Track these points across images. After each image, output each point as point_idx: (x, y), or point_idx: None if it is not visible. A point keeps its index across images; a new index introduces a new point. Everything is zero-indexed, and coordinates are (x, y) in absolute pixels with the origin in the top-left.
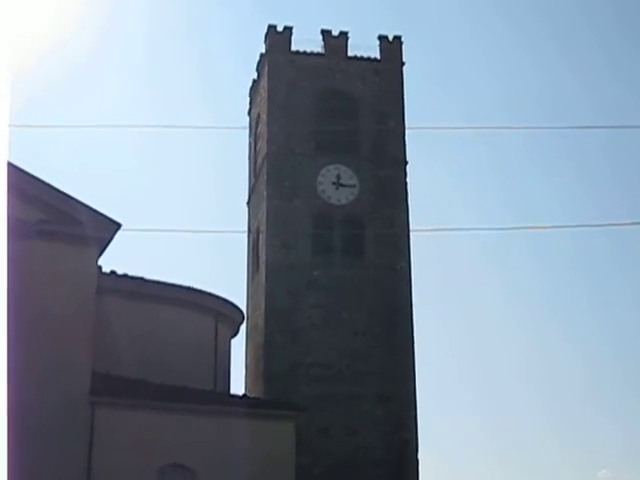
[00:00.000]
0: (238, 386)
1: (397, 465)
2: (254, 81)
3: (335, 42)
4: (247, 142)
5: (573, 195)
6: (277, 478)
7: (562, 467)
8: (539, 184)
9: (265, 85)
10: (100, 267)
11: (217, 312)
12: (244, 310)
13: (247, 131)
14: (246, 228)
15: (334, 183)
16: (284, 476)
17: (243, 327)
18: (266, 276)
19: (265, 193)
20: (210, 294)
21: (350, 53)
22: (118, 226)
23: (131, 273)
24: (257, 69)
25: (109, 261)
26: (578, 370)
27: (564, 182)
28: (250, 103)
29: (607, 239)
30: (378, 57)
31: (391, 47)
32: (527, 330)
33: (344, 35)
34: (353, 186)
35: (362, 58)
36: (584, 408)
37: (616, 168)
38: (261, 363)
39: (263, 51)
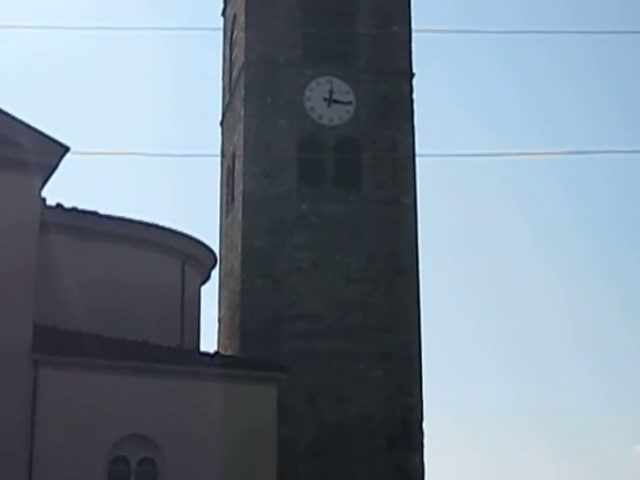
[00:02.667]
0: (209, 342)
1: (398, 437)
2: None
3: None
4: (220, 49)
5: (610, 113)
6: (255, 451)
7: (596, 441)
8: (571, 100)
9: None
10: (44, 199)
11: (184, 254)
12: (217, 251)
13: (220, 36)
14: (219, 153)
15: (326, 99)
16: (263, 449)
17: (215, 272)
18: (243, 210)
19: (242, 111)
20: (176, 232)
21: None
22: (65, 149)
23: (81, 206)
24: None
25: (55, 192)
26: (622, 324)
27: (599, 98)
28: (224, 2)
29: None
30: None
31: None
32: (560, 275)
33: None
34: (348, 103)
35: None
36: (627, 373)
37: None
38: (237, 315)
39: None
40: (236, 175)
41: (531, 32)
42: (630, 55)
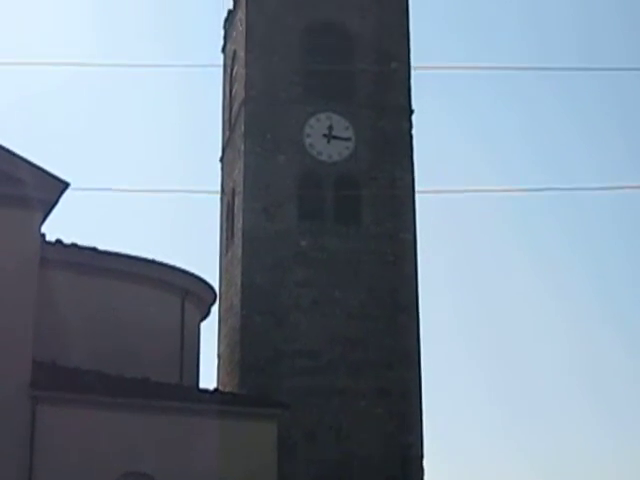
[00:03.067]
0: (209, 379)
1: (398, 474)
2: (229, 12)
3: None
4: (220, 86)
5: (614, 150)
6: None
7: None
8: (573, 137)
9: (243, 17)
10: (44, 235)
11: (184, 290)
12: (216, 288)
13: (220, 72)
14: (219, 189)
15: (325, 135)
16: None
17: (215, 308)
18: (243, 247)
19: (242, 147)
20: (176, 268)
21: None
22: (65, 185)
23: (81, 242)
24: None
25: (55, 228)
26: (628, 370)
27: (602, 135)
28: (224, 38)
29: None
30: None
31: None
32: (562, 314)
33: None
34: (348, 139)
35: None
36: (634, 424)
37: None
38: (237, 351)
39: None
40: (236, 211)
41: (531, 69)
42: (634, 92)
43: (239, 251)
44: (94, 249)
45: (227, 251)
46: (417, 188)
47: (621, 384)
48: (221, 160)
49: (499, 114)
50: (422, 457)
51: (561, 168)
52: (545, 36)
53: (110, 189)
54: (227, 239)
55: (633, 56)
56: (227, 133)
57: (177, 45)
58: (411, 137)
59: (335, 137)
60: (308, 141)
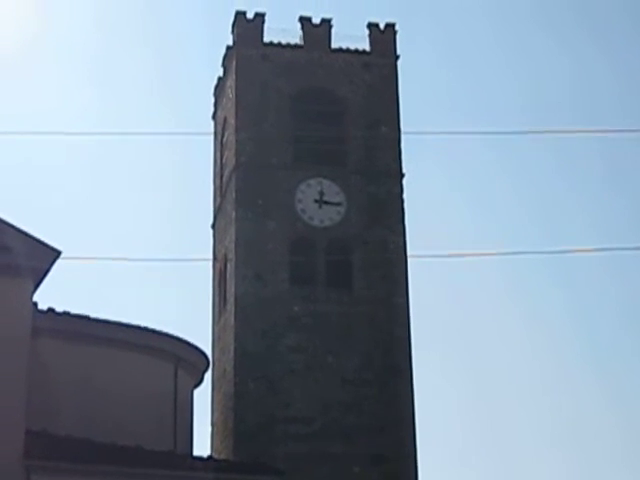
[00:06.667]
0: (202, 446)
1: None
2: (219, 79)
3: (316, 31)
4: (211, 152)
5: (609, 213)
6: None
7: None
8: (567, 198)
9: (233, 84)
10: (36, 303)
11: (177, 357)
12: (209, 354)
13: (211, 139)
14: (211, 256)
15: (316, 201)
16: None
17: (208, 375)
18: (235, 313)
19: (234, 214)
20: (168, 335)
21: (334, 45)
22: (57, 254)
23: (73, 311)
24: (223, 65)
25: (46, 296)
26: (617, 437)
27: (597, 197)
28: (215, 105)
29: None
30: (368, 49)
31: (383, 37)
32: (556, 376)
33: (327, 23)
34: (339, 204)
35: (349, 50)
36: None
37: None
38: (230, 418)
39: (230, 43)
40: (228, 278)
41: (519, 133)
42: (629, 153)
43: (232, 317)
44: (86, 317)
45: (219, 318)
46: (409, 252)
47: (609, 447)
48: (213, 227)
49: (492, 176)
50: None
51: (557, 228)
52: (537, 98)
53: (102, 258)
54: (219, 306)
55: (627, 117)
56: (218, 200)
57: (170, 113)
58: (402, 201)
59: (326, 202)
60: (299, 207)
